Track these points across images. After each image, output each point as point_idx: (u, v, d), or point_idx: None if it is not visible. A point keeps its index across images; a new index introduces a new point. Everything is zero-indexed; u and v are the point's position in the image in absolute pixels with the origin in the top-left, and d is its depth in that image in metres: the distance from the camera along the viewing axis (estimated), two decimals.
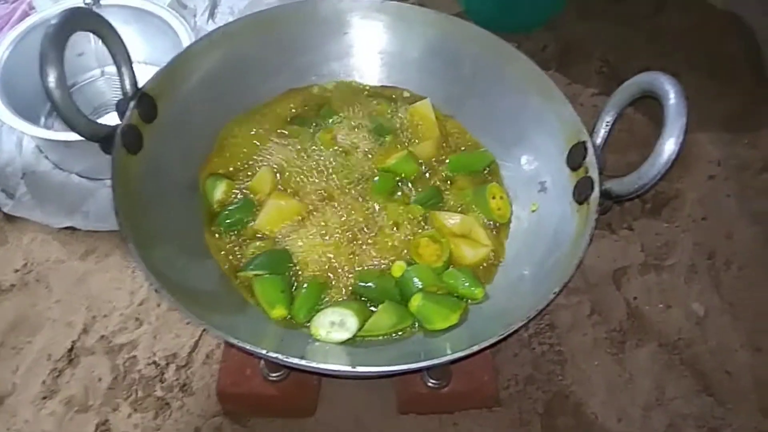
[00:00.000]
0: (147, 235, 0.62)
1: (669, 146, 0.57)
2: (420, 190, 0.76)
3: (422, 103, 0.81)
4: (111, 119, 0.69)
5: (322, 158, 0.77)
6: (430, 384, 0.83)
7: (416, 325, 0.67)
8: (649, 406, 0.90)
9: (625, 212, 1.09)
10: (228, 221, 0.71)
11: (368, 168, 0.77)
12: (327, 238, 0.70)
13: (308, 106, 0.82)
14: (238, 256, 0.70)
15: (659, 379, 0.93)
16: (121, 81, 0.66)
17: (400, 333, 0.66)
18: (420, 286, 0.66)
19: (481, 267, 0.71)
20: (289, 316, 0.66)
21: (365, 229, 0.72)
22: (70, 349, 0.93)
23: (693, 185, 1.13)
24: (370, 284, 0.68)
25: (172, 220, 0.68)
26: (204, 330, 0.91)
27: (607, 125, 0.66)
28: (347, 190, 0.74)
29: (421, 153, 0.78)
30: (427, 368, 0.55)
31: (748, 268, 1.04)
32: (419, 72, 0.83)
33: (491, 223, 0.74)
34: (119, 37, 0.65)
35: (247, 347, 0.54)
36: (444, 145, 0.80)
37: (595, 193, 0.63)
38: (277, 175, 0.75)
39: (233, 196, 0.73)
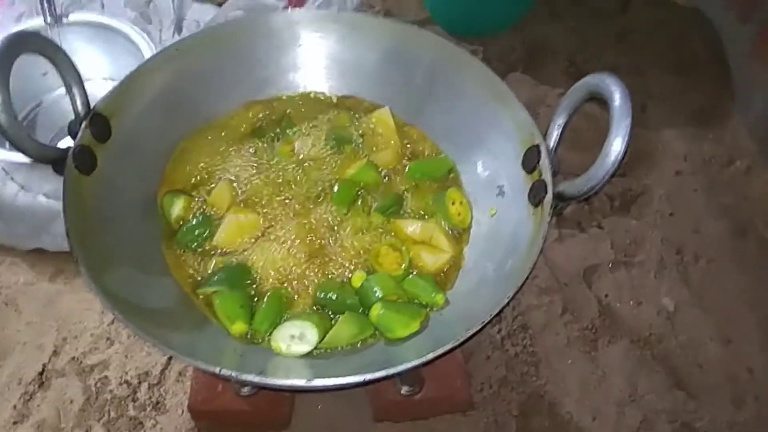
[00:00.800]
0: (102, 256, 0.62)
1: (616, 147, 0.57)
2: (381, 198, 0.76)
3: (382, 111, 0.81)
4: None
5: (281, 170, 0.77)
6: (403, 391, 0.84)
7: (378, 335, 0.66)
8: (622, 402, 0.91)
9: (594, 210, 1.10)
10: (187, 238, 0.71)
11: (328, 178, 0.76)
12: (287, 250, 0.70)
13: (267, 119, 0.82)
14: (198, 272, 0.70)
15: (632, 375, 0.93)
16: (72, 101, 0.65)
17: (361, 343, 0.66)
18: (380, 295, 0.66)
19: (442, 273, 0.71)
20: (250, 332, 0.66)
21: (326, 240, 0.72)
22: (41, 372, 0.92)
23: (660, 181, 1.14)
24: (331, 295, 0.68)
25: (130, 240, 0.68)
26: None
27: (559, 128, 0.66)
28: (307, 202, 0.74)
29: (381, 161, 0.78)
30: (386, 377, 0.55)
31: (716, 261, 1.05)
32: (377, 81, 0.83)
33: (452, 229, 0.75)
34: (68, 57, 0.64)
35: (201, 366, 0.53)
36: (404, 152, 0.80)
37: (549, 196, 0.63)
38: (237, 188, 0.75)
39: (192, 212, 0.73)
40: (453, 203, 0.74)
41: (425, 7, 1.42)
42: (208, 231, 0.72)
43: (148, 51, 1.06)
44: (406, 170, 0.79)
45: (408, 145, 0.81)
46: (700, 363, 0.95)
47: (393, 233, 0.73)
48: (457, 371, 0.86)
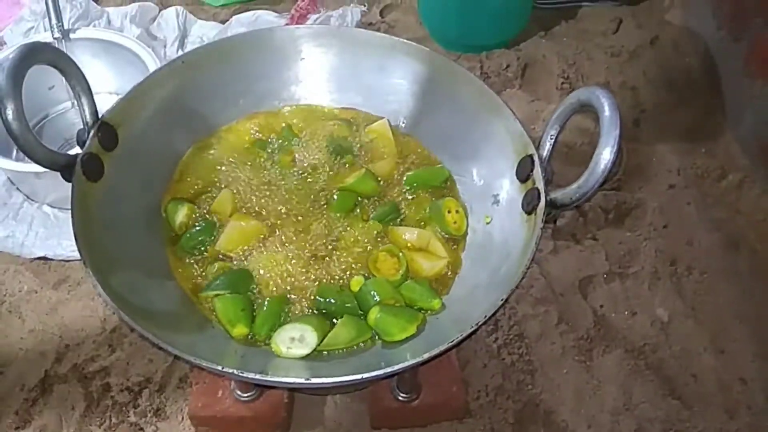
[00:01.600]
0: (108, 260, 0.64)
1: (605, 156, 0.59)
2: (379, 206, 0.78)
3: (380, 122, 0.84)
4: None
5: (282, 179, 0.79)
6: (400, 398, 0.85)
7: (376, 338, 0.68)
8: (617, 411, 0.92)
9: (589, 222, 1.12)
10: (190, 243, 0.73)
11: (327, 187, 0.79)
12: (287, 256, 0.72)
13: (268, 130, 0.85)
14: (201, 277, 0.72)
15: (626, 384, 0.94)
16: (81, 111, 0.68)
17: (359, 346, 0.67)
18: (378, 299, 0.68)
19: (438, 279, 0.73)
20: (250, 334, 0.68)
21: (325, 247, 0.74)
22: (43, 379, 0.93)
23: (654, 194, 1.16)
24: (330, 299, 0.69)
25: (134, 245, 0.70)
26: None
27: (551, 138, 0.69)
28: (307, 210, 0.76)
29: (379, 171, 0.81)
30: (383, 377, 0.56)
31: (709, 273, 1.06)
32: (375, 94, 0.85)
33: (448, 236, 0.77)
34: (78, 68, 0.67)
35: (203, 364, 0.55)
36: (401, 162, 0.82)
37: (542, 204, 0.65)
38: (239, 196, 0.77)
39: (195, 219, 0.75)
40: (449, 211, 0.77)
41: (424, 25, 1.45)
42: (210, 237, 0.74)
43: (153, 66, 1.09)
44: (404, 179, 0.81)
45: (405, 155, 0.83)
46: (694, 373, 0.96)
47: (391, 240, 0.75)
48: (453, 378, 0.87)
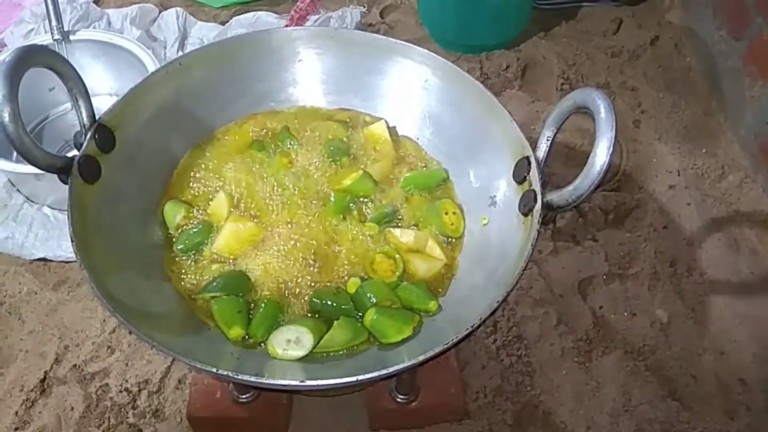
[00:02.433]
0: (105, 261, 0.64)
1: (600, 158, 0.59)
2: (376, 208, 0.78)
3: (377, 124, 0.84)
4: None
5: (279, 181, 0.79)
6: (399, 399, 0.85)
7: (372, 340, 0.68)
8: (616, 412, 0.92)
9: (588, 223, 1.12)
10: (187, 245, 0.73)
11: (325, 189, 0.79)
12: (284, 258, 0.72)
13: (266, 132, 0.85)
14: (197, 279, 0.72)
15: (625, 385, 0.94)
16: (78, 113, 0.68)
17: (355, 348, 0.67)
18: (374, 301, 0.68)
19: (435, 280, 0.73)
20: (247, 336, 0.68)
21: (322, 249, 0.74)
22: (43, 380, 0.93)
23: (654, 195, 1.16)
24: (326, 301, 0.69)
25: (131, 246, 0.70)
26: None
27: (548, 140, 0.69)
28: (304, 212, 0.76)
29: (376, 172, 0.81)
30: (379, 378, 0.56)
31: (708, 274, 1.06)
32: (373, 95, 0.85)
33: (445, 237, 0.77)
34: (75, 71, 0.67)
35: (199, 366, 0.55)
36: (399, 164, 0.82)
37: (538, 205, 0.65)
38: (236, 198, 0.77)
39: (192, 220, 0.75)
40: (446, 213, 0.76)
41: (423, 26, 1.45)
42: (207, 239, 0.74)
43: (152, 68, 1.10)
44: (401, 181, 0.81)
45: (403, 157, 0.83)
46: (694, 374, 0.96)
47: (388, 242, 0.75)
48: (451, 379, 0.87)
